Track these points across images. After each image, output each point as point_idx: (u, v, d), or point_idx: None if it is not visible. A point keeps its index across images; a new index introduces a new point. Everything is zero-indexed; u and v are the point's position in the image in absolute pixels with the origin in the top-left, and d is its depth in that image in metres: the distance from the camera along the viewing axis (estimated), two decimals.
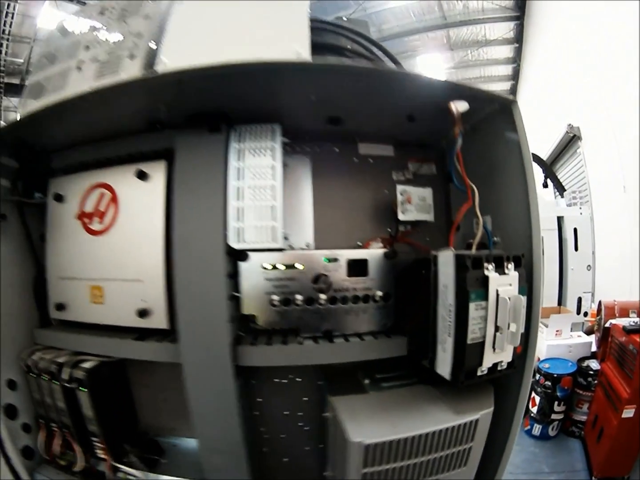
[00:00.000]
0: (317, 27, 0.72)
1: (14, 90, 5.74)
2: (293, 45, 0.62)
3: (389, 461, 0.61)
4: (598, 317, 2.10)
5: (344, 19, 1.01)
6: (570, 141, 3.76)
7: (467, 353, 0.61)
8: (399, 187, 0.76)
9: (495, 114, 0.67)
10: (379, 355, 0.74)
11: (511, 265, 0.63)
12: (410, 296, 0.74)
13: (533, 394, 2.10)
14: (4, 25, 4.70)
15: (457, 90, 0.64)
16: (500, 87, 6.90)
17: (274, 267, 0.74)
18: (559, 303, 2.47)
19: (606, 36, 2.83)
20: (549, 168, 3.42)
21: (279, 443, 0.89)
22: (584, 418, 2.08)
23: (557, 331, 2.19)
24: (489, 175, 0.69)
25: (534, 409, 2.10)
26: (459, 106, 0.67)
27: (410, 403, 0.67)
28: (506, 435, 0.66)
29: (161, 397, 0.92)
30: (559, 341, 2.22)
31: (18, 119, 0.77)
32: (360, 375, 0.75)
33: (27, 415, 0.93)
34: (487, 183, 0.68)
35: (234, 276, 0.73)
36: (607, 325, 1.87)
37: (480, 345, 0.62)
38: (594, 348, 2.18)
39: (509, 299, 0.61)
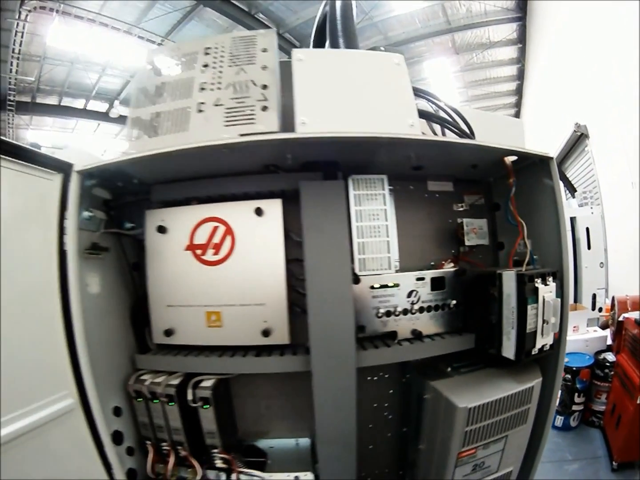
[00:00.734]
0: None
1: (24, 108, 6.19)
2: (407, 120, 0.89)
3: (480, 420, 0.92)
4: (612, 312, 2.42)
5: (382, 48, 1.25)
6: (578, 140, 3.94)
7: (526, 339, 0.94)
8: (465, 220, 1.07)
9: (536, 166, 1.01)
10: (455, 349, 1.05)
11: (550, 279, 0.98)
12: (476, 303, 1.06)
13: None
14: (14, 44, 5.09)
15: (510, 151, 0.96)
16: (506, 88, 7.51)
17: (379, 287, 0.99)
18: (575, 300, 2.65)
19: (608, 31, 3.07)
20: (564, 176, 3.67)
21: (366, 432, 1.15)
22: (602, 408, 2.43)
23: (574, 327, 2.48)
24: (530, 211, 1.04)
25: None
26: (510, 159, 1.00)
27: (485, 380, 1.00)
28: (549, 398, 1.02)
29: (264, 405, 1.11)
30: (576, 336, 2.53)
31: (131, 154, 0.88)
32: (443, 365, 1.05)
33: (131, 439, 1.05)
34: (529, 216, 1.02)
35: None
36: (620, 319, 2.22)
37: (534, 333, 0.96)
38: (609, 341, 2.54)
39: (551, 301, 0.96)
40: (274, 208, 0.98)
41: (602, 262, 2.76)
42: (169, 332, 1.02)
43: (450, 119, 1.02)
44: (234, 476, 1.05)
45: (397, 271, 1.00)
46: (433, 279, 1.04)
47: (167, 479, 1.08)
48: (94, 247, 0.98)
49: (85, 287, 0.97)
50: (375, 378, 1.13)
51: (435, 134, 1.10)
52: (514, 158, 1.03)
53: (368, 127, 0.85)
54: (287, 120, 0.92)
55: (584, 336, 2.60)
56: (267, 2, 5.25)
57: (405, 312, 1.02)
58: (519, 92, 7.38)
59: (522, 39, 6.15)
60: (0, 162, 0.80)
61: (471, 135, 1.03)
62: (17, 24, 4.90)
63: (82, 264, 0.95)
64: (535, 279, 0.96)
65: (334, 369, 0.95)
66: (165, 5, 5.24)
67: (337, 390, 0.96)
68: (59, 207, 0.95)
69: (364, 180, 0.96)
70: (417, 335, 1.04)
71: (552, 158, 1.00)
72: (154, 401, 1.02)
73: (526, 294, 0.94)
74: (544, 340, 0.99)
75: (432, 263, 1.11)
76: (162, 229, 1.02)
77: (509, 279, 0.97)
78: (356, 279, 0.96)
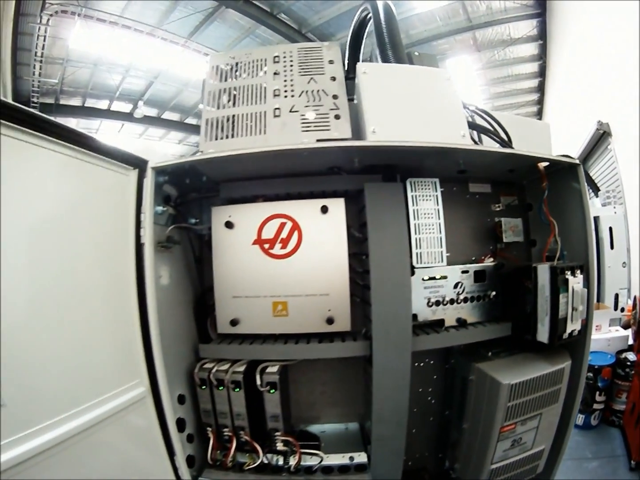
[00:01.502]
0: None
1: (48, 109, 6.59)
2: (460, 130, 1.09)
3: (520, 397, 1.12)
4: (634, 312, 2.65)
5: (416, 53, 1.46)
6: (600, 138, 4.10)
7: (559, 325, 1.16)
8: (504, 219, 1.29)
9: (565, 171, 1.23)
10: (495, 336, 1.26)
11: (578, 271, 1.20)
12: (512, 294, 1.27)
13: None
14: (36, 47, 5.51)
15: (543, 158, 1.18)
16: (528, 85, 7.84)
17: (430, 279, 1.18)
18: (597, 300, 2.80)
19: (628, 27, 3.18)
20: (588, 175, 3.80)
21: (411, 416, 1.32)
22: (622, 407, 2.63)
23: (596, 326, 2.68)
24: (560, 211, 1.26)
25: None
26: (543, 164, 1.22)
27: (522, 362, 1.21)
28: (577, 380, 1.25)
29: (318, 390, 1.27)
30: (599, 335, 2.74)
31: (211, 154, 1.03)
32: (483, 351, 1.25)
33: (191, 427, 1.18)
34: (559, 216, 1.25)
35: None
36: None
37: (564, 320, 1.18)
38: (630, 341, 2.75)
39: (579, 291, 1.18)
40: (337, 206, 1.16)
41: (624, 262, 2.95)
42: (234, 322, 1.17)
43: (491, 128, 1.23)
44: (292, 461, 1.19)
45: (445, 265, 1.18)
46: (476, 272, 1.25)
47: (226, 465, 1.21)
48: (166, 241, 1.11)
49: (159, 279, 1.10)
50: (422, 364, 1.32)
51: (475, 142, 1.30)
52: (547, 163, 1.24)
53: (427, 136, 1.04)
54: (353, 127, 1.10)
55: (606, 335, 2.84)
56: (288, 2, 5.49)
57: (451, 301, 1.22)
58: (540, 89, 7.68)
59: (542, 36, 6.42)
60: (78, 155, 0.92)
61: (509, 142, 1.24)
62: (39, 28, 5.21)
63: (156, 257, 1.07)
64: (566, 272, 1.18)
65: (392, 352, 1.13)
66: (188, 7, 5.54)
67: (394, 372, 1.14)
68: (136, 202, 1.08)
69: (420, 182, 1.16)
70: (461, 323, 1.23)
71: (579, 164, 1.22)
72: (220, 388, 1.15)
73: (558, 285, 1.16)
74: (573, 326, 1.21)
75: (474, 258, 1.32)
76: (229, 224, 1.17)
77: (543, 272, 1.19)
78: (412, 271, 1.14)
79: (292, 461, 1.21)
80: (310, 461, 1.22)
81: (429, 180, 1.18)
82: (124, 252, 1.07)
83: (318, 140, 1.03)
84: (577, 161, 1.24)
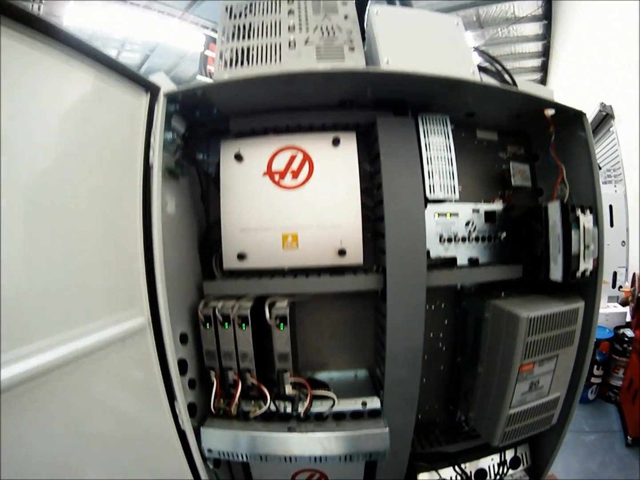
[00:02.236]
0: None
1: None
2: (469, 68, 1.11)
3: (538, 332, 1.09)
4: (632, 288, 2.72)
5: None
6: (603, 120, 4.14)
7: (572, 261, 1.14)
8: (512, 163, 1.29)
9: (571, 121, 1.25)
10: (506, 277, 1.24)
11: (588, 211, 1.20)
12: (523, 237, 1.26)
13: None
14: None
15: (550, 103, 1.20)
16: (531, 64, 7.79)
17: (442, 215, 1.17)
18: None
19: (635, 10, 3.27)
20: None
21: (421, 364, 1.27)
22: (619, 383, 2.69)
23: None
24: (566, 159, 1.28)
25: None
26: (549, 112, 1.24)
27: (536, 302, 1.18)
28: (590, 324, 1.22)
29: (327, 334, 1.21)
30: None
31: (223, 79, 1.01)
32: (496, 293, 1.22)
33: (193, 371, 1.11)
34: (565, 164, 1.26)
35: None
36: None
37: (577, 257, 1.17)
38: (628, 318, 2.83)
39: (591, 228, 1.17)
40: (349, 139, 1.15)
41: (623, 241, 3.06)
42: (241, 256, 1.12)
43: (498, 70, 1.26)
44: (301, 407, 1.12)
45: (456, 201, 1.17)
46: (486, 212, 1.24)
47: (230, 413, 1.13)
48: (173, 168, 1.08)
49: (165, 206, 1.05)
50: (432, 307, 1.27)
51: None
52: (553, 112, 1.27)
53: (439, 70, 1.05)
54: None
55: (605, 310, 2.91)
56: None
57: (463, 239, 1.20)
58: (544, 68, 7.64)
59: (547, 16, 6.43)
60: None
61: (515, 86, 1.27)
62: (32, 5, 5.17)
63: (163, 183, 1.04)
64: (576, 209, 1.18)
65: (407, 286, 1.09)
66: None
67: (408, 307, 1.10)
68: (146, 125, 1.05)
69: (430, 118, 1.16)
70: (473, 262, 1.21)
71: (584, 113, 1.25)
72: (225, 325, 1.09)
73: (570, 221, 1.16)
74: (585, 265, 1.20)
75: (483, 200, 1.31)
76: (239, 157, 1.15)
77: (554, 210, 1.18)
78: (425, 203, 1.12)
79: (301, 408, 1.13)
80: (320, 407, 1.15)
81: (440, 116, 1.18)
82: (131, 174, 1.03)
83: None
84: (583, 110, 1.27)
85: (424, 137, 1.16)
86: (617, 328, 2.86)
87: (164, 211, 1.05)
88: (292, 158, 1.15)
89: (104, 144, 0.96)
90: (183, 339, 1.10)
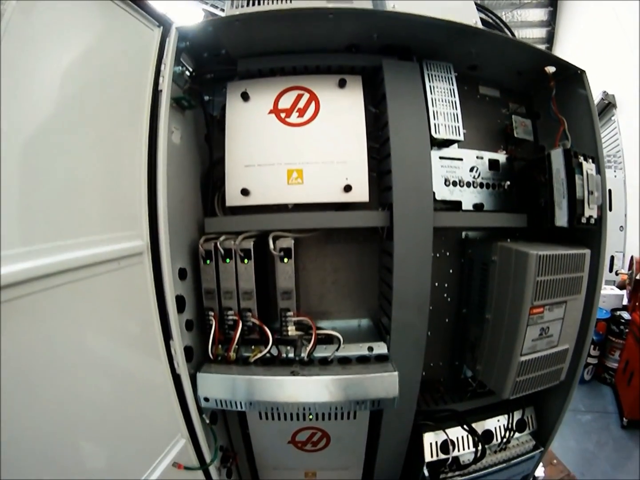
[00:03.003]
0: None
1: None
2: (472, 19, 1.14)
3: (547, 273, 1.06)
4: (630, 272, 2.75)
5: None
6: (605, 108, 4.14)
7: (577, 205, 1.13)
8: (514, 117, 1.31)
9: (571, 79, 1.28)
10: (511, 224, 1.23)
11: (590, 160, 1.20)
12: (527, 188, 1.25)
13: None
14: None
15: (550, 58, 1.23)
16: None
17: (447, 158, 1.16)
18: None
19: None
20: None
21: None
22: (615, 365, 2.71)
23: None
24: (568, 116, 1.29)
25: None
26: (550, 69, 1.26)
27: (543, 246, 1.16)
28: (596, 274, 1.22)
29: (330, 280, 1.17)
30: None
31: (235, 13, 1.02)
32: (502, 240, 1.19)
33: (191, 312, 1.05)
34: (567, 120, 1.27)
35: None
36: (638, 277, 2.59)
37: (582, 202, 1.16)
38: (625, 301, 2.87)
39: (594, 175, 1.18)
40: (355, 81, 1.16)
41: (621, 226, 3.07)
42: (245, 192, 1.09)
43: (499, 25, 1.29)
44: (304, 352, 1.06)
45: (460, 143, 1.17)
46: (490, 160, 1.23)
47: (229, 358, 1.06)
48: (180, 97, 1.06)
49: (171, 134, 1.03)
50: (438, 255, 1.24)
51: None
52: (553, 69, 1.29)
53: (444, 16, 1.07)
54: None
55: (602, 292, 2.84)
56: None
57: (468, 184, 1.19)
58: None
59: (553, 3, 6.48)
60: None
61: None
62: None
63: (170, 112, 1.02)
64: (579, 156, 1.18)
65: (413, 224, 1.07)
66: None
67: (415, 247, 1.08)
68: (157, 57, 1.04)
69: (435, 64, 1.18)
70: (478, 208, 1.19)
71: (584, 71, 1.28)
72: (227, 260, 1.04)
73: (573, 166, 1.15)
74: (590, 211, 1.19)
75: (486, 150, 1.31)
76: (245, 96, 1.14)
77: (557, 156, 1.19)
78: (431, 143, 1.12)
79: (304, 353, 1.06)
80: (324, 352, 1.08)
81: (444, 63, 1.20)
82: (139, 100, 1.00)
83: None
84: (581, 68, 1.30)
85: (429, 81, 1.17)
86: (614, 310, 2.88)
87: (169, 139, 1.02)
88: (299, 97, 1.15)
89: (116, 71, 0.95)
90: (182, 274, 1.05)
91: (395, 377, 1.00)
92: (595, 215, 1.22)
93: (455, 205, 1.19)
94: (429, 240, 1.08)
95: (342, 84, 1.15)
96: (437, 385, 1.32)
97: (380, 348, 1.10)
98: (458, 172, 1.19)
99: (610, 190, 3.18)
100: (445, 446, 1.24)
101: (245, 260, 1.05)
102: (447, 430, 1.23)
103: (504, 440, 1.29)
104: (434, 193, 1.15)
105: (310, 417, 1.20)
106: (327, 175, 1.10)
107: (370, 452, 1.31)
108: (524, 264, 1.07)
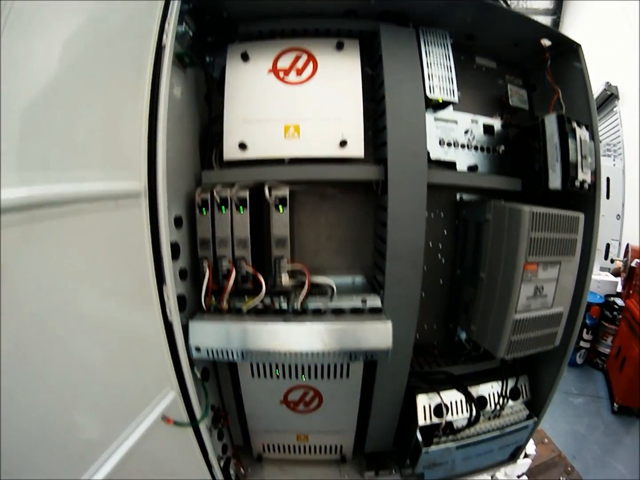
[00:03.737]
0: None
1: None
2: None
3: (541, 230, 1.07)
4: (625, 259, 2.75)
5: None
6: (607, 99, 4.14)
7: (570, 167, 1.14)
8: (510, 86, 1.33)
9: (567, 53, 1.31)
10: (505, 187, 1.25)
11: (584, 127, 1.22)
12: (521, 155, 1.27)
13: None
14: None
15: (546, 31, 1.26)
16: None
17: (442, 120, 1.18)
18: None
19: None
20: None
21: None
22: (607, 351, 2.72)
23: None
24: (563, 88, 1.31)
25: None
26: (546, 42, 1.29)
27: (537, 206, 1.15)
28: (590, 240, 1.22)
29: (325, 235, 1.17)
30: None
31: None
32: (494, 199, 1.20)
33: (185, 261, 1.06)
34: (563, 89, 1.28)
35: None
36: (633, 264, 2.56)
37: (575, 165, 1.17)
38: (619, 289, 2.86)
39: (587, 141, 1.19)
40: (353, 44, 1.19)
41: (618, 214, 3.15)
42: (242, 145, 1.11)
43: None
44: (297, 303, 1.06)
45: (455, 105, 1.19)
46: (485, 125, 1.25)
47: (222, 308, 1.06)
48: (182, 53, 1.09)
49: (172, 88, 1.05)
50: (432, 215, 1.25)
51: None
52: (549, 43, 1.32)
53: None
54: None
55: (596, 277, 2.95)
56: None
57: (462, 146, 1.20)
58: None
59: None
60: None
61: None
62: None
63: (172, 67, 1.04)
64: (573, 122, 1.20)
65: (408, 179, 1.08)
66: None
67: (409, 201, 1.09)
68: (161, 15, 1.07)
69: (431, 31, 1.21)
70: (472, 169, 1.20)
71: (580, 45, 1.30)
72: (222, 209, 1.05)
73: (566, 130, 1.17)
74: (583, 175, 1.20)
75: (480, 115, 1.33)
76: (245, 56, 1.18)
77: (551, 121, 1.21)
78: (426, 104, 1.13)
79: (297, 303, 1.06)
80: (317, 304, 1.08)
81: (440, 30, 1.23)
82: (142, 55, 1.02)
83: None
84: (577, 42, 1.33)
85: (425, 45, 1.19)
86: (608, 296, 2.88)
87: (170, 93, 1.04)
88: (297, 58, 1.17)
89: (124, 25, 0.97)
90: (177, 222, 1.06)
91: (389, 327, 1.00)
92: (589, 181, 1.23)
93: (450, 166, 1.21)
94: (423, 195, 1.09)
95: (339, 46, 1.18)
96: (431, 349, 1.30)
97: (374, 301, 1.09)
98: (453, 134, 1.21)
99: (608, 179, 3.21)
100: (439, 410, 1.22)
101: (241, 209, 1.06)
102: (441, 394, 1.21)
103: (498, 406, 1.27)
104: (428, 153, 1.17)
105: (303, 377, 1.19)
106: (323, 131, 1.12)
107: (363, 416, 1.29)
108: (517, 220, 1.08)
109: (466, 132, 1.23)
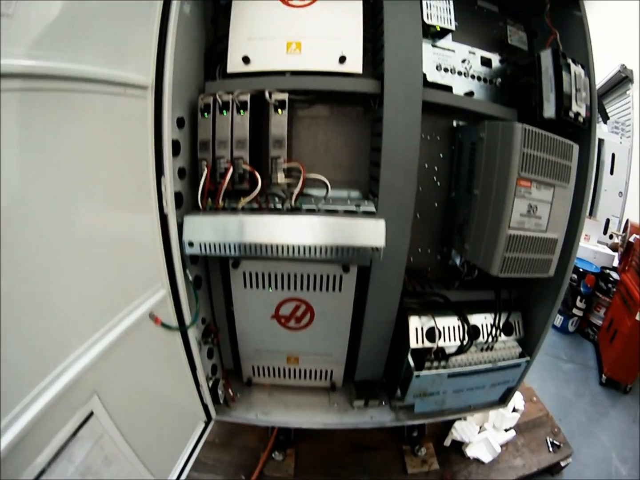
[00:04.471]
0: None
1: None
2: None
3: (534, 147, 1.09)
4: (623, 234, 2.76)
5: None
6: (621, 81, 4.05)
7: (564, 97, 1.17)
8: (509, 26, 1.37)
9: (566, 3, 1.35)
10: (501, 115, 1.28)
11: (579, 65, 1.25)
12: (518, 90, 1.30)
13: None
14: None
15: None
16: None
17: (439, 47, 1.22)
18: (590, 214, 2.98)
19: None
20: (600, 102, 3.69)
21: (416, 196, 1.21)
22: (599, 322, 2.71)
23: (585, 235, 2.80)
24: (563, 34, 1.34)
25: None
26: None
27: None
28: (586, 165, 1.23)
29: (323, 147, 1.20)
30: (586, 245, 2.81)
31: None
32: None
33: (184, 160, 1.08)
34: (562, 34, 1.32)
35: None
36: (631, 239, 2.57)
37: (569, 96, 1.20)
38: (616, 263, 2.85)
39: (582, 75, 1.22)
40: None
41: (621, 192, 3.13)
42: (246, 59, 1.16)
43: None
44: (292, 200, 1.07)
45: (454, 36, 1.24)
46: (482, 58, 1.29)
47: (217, 205, 1.08)
48: None
49: (182, 4, 1.11)
50: (428, 137, 1.27)
51: None
52: None
53: None
54: None
55: (594, 248, 2.93)
56: None
57: (459, 73, 1.24)
58: None
59: None
60: None
61: None
62: None
63: None
64: (567, 57, 1.23)
65: (403, 93, 1.11)
66: None
67: (404, 112, 1.12)
68: None
69: None
70: (469, 95, 1.24)
71: None
72: (223, 112, 1.09)
73: (561, 64, 1.20)
74: (578, 108, 1.23)
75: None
76: None
77: (546, 56, 1.25)
78: (425, 32, 1.18)
79: (292, 202, 1.08)
80: (311, 205, 1.09)
81: None
82: None
83: None
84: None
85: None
86: (604, 268, 2.87)
87: (180, 8, 1.09)
88: None
89: None
90: (180, 122, 1.09)
91: (381, 225, 1.00)
92: (583, 114, 1.25)
93: (447, 89, 1.24)
94: (418, 109, 1.12)
95: None
96: (425, 273, 1.29)
97: (368, 207, 1.10)
98: (450, 61, 1.26)
99: (613, 155, 3.19)
100: (431, 333, 1.20)
101: (242, 112, 1.09)
102: (435, 318, 1.19)
103: (491, 337, 1.24)
104: (425, 75, 1.20)
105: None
106: (324, 48, 1.17)
107: (354, 343, 1.26)
108: (510, 135, 1.09)
109: (463, 61, 1.27)
